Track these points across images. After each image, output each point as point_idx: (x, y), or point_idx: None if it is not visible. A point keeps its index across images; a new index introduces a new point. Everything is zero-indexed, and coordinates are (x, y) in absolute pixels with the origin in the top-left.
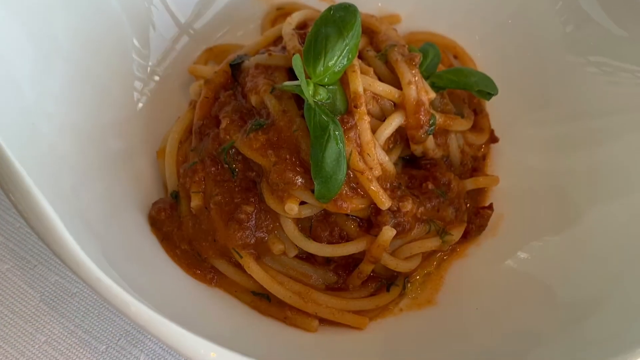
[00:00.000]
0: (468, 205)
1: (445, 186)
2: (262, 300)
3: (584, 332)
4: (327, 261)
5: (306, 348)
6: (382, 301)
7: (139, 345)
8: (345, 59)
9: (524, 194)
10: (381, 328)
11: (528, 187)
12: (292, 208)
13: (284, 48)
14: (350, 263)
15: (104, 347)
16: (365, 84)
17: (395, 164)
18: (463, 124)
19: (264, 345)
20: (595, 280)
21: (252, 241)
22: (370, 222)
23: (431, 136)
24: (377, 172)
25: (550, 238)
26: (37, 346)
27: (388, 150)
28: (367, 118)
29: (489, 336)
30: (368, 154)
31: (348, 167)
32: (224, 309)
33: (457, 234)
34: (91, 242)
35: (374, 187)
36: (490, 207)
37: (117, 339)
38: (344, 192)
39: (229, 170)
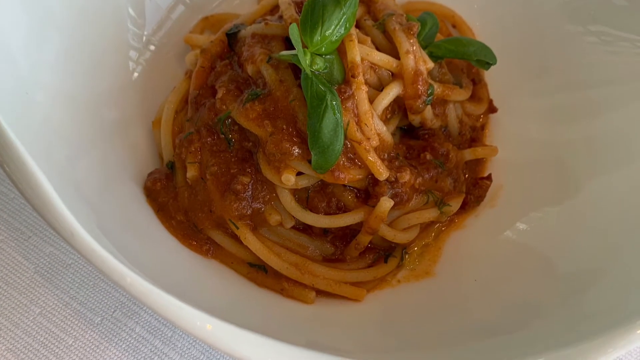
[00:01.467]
0: (466, 175)
1: (443, 157)
2: (258, 272)
3: (583, 303)
4: (325, 232)
5: (303, 320)
6: (380, 273)
7: (134, 317)
8: (343, 28)
9: (523, 165)
10: (379, 300)
11: (527, 158)
12: (289, 179)
13: (280, 17)
14: (348, 234)
15: (99, 319)
16: (363, 53)
17: (393, 134)
18: (461, 94)
19: (261, 317)
20: (594, 251)
21: (249, 212)
22: (367, 193)
23: (429, 106)
24: (375, 142)
25: (550, 209)
26: (31, 318)
27: (386, 121)
28: (364, 88)
29: (487, 308)
30: (365, 124)
31: (345, 138)
32: (220, 281)
33: (455, 204)
34: (86, 212)
35: (372, 158)
36: (489, 177)
37: (112, 310)
38: (341, 162)
39: (225, 140)
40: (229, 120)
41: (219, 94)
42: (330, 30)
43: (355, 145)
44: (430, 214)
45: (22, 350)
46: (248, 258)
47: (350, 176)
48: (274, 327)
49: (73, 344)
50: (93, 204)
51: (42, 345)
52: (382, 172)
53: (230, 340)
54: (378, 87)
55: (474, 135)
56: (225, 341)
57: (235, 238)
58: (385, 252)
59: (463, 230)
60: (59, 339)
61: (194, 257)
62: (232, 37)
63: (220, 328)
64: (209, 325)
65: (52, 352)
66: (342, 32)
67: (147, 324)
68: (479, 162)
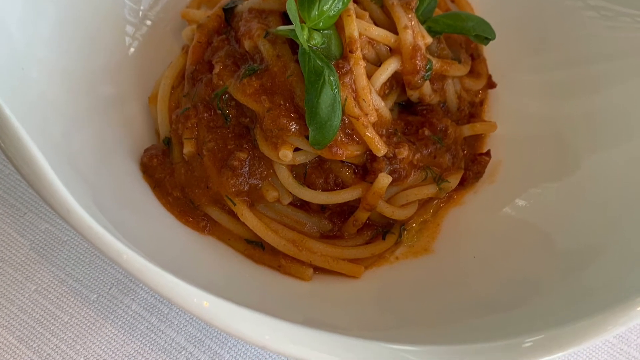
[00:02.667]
0: (465, 151)
1: (442, 132)
2: (255, 249)
3: (583, 280)
4: (322, 209)
5: (300, 297)
6: (378, 249)
7: (130, 294)
8: (340, 3)
9: (522, 141)
10: (377, 276)
11: (526, 134)
12: (286, 154)
13: None
14: (346, 211)
15: (95, 295)
16: (361, 28)
17: (391, 110)
18: (460, 69)
19: (258, 294)
20: (594, 227)
21: (246, 188)
22: (365, 169)
23: (428, 82)
24: (373, 118)
25: (549, 185)
26: (27, 295)
27: (384, 96)
28: (362, 63)
29: (486, 284)
30: (363, 100)
31: (343, 113)
32: (217, 258)
33: (454, 181)
34: (82, 189)
35: (370, 134)
36: (488, 153)
37: (108, 287)
38: (339, 138)
39: (222, 116)
40: (226, 95)
41: (216, 69)
42: (328, 5)
43: (353, 121)
44: (428, 190)
45: (18, 328)
46: (245, 235)
47: (348, 152)
48: (271, 304)
49: (69, 321)
50: (89, 180)
51: (38, 322)
52: (380, 148)
53: (227, 317)
54: (376, 63)
55: (472, 111)
56: (222, 318)
57: (232, 214)
58: (383, 229)
59: (462, 207)
60: (54, 316)
61: (191, 233)
62: (229, 12)
63: (217, 305)
64: (205, 302)
65: (48, 329)
66: (340, 6)
67: (144, 301)
68: (477, 138)
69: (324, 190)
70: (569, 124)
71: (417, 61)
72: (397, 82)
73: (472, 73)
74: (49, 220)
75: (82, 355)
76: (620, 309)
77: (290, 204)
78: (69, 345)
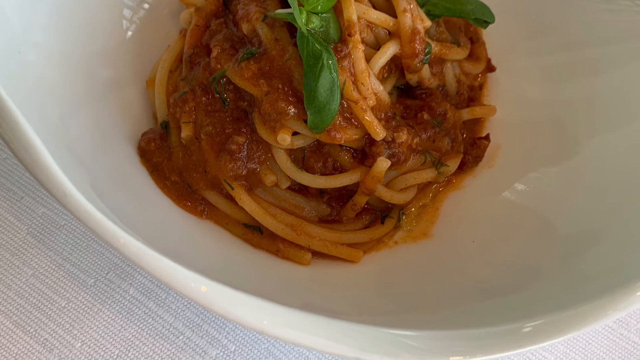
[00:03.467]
0: (464, 135)
1: (441, 116)
2: (253, 233)
3: (583, 265)
4: (321, 193)
5: (299, 281)
6: (377, 234)
7: (127, 279)
8: None
9: (521, 125)
10: (375, 261)
11: (526, 118)
12: (285, 139)
13: None
14: (344, 195)
15: (93, 280)
16: (359, 11)
17: (390, 93)
18: (459, 53)
19: (256, 279)
20: (594, 212)
21: (244, 172)
22: (364, 153)
23: (426, 65)
24: (372, 101)
25: (548, 169)
26: (24, 279)
27: (382, 80)
28: (361, 47)
29: (485, 269)
30: (362, 84)
31: (342, 97)
32: (214, 242)
33: (453, 165)
34: (79, 173)
35: (368, 117)
36: (487, 137)
37: (105, 272)
38: (338, 122)
39: (220, 100)
40: (224, 79)
41: (214, 53)
42: None
43: (352, 105)
44: (427, 175)
45: (15, 312)
46: (243, 219)
47: (347, 136)
48: (269, 288)
49: (66, 305)
50: (86, 164)
51: (35, 307)
52: (379, 132)
53: (225, 302)
54: (375, 46)
55: (472, 95)
56: (219, 303)
57: (230, 199)
58: (382, 213)
59: (461, 191)
60: (51, 301)
61: (189, 217)
62: None
63: (215, 290)
64: (203, 287)
65: (45, 314)
66: None
67: (141, 285)
68: (477, 122)
69: (322, 174)
70: (569, 108)
71: (416, 45)
72: (395, 65)
73: (472, 57)
74: (46, 205)
75: (79, 340)
76: (621, 293)
77: (289, 188)
78: (66, 330)
